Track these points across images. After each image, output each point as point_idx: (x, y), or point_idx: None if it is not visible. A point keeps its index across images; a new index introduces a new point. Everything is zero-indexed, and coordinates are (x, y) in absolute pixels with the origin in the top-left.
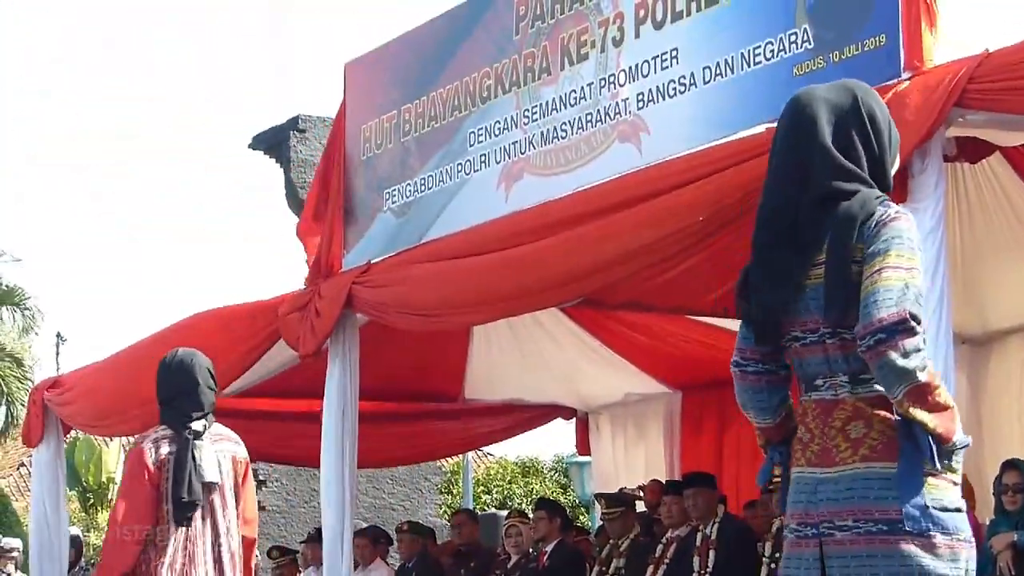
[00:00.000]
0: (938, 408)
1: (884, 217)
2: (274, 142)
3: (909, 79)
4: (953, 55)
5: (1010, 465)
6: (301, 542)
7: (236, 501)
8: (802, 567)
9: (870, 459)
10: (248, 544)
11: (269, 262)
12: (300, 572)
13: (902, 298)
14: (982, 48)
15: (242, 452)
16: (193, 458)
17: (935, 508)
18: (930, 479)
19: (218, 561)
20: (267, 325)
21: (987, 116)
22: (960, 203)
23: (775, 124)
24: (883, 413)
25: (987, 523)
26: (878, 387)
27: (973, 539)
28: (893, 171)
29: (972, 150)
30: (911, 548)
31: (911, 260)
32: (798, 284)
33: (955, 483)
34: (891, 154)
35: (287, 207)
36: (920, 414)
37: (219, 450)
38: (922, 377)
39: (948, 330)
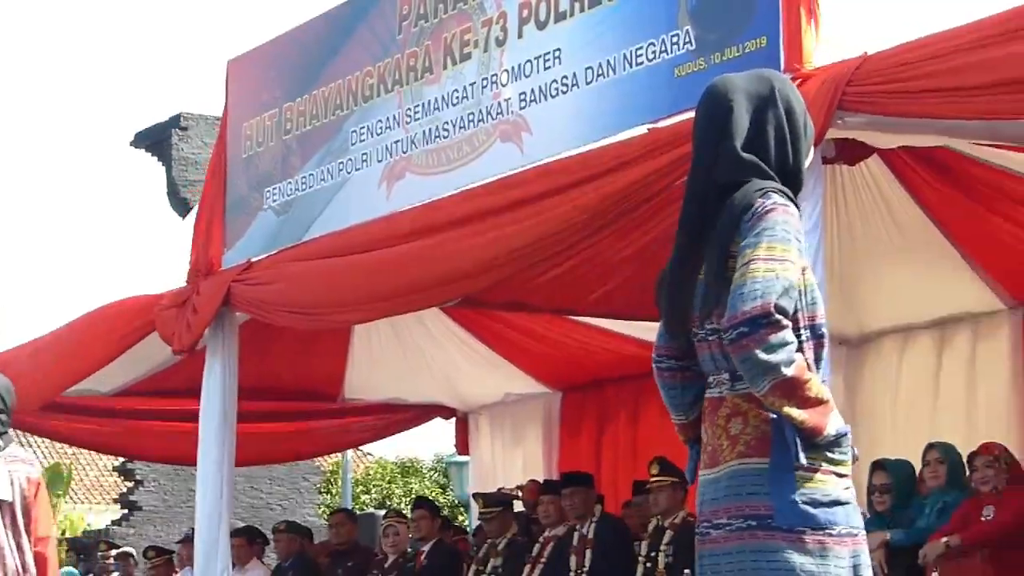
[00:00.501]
0: (808, 403)
1: (760, 209)
2: (156, 140)
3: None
4: (832, 57)
5: (877, 466)
6: (177, 542)
7: (28, 520)
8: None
9: (745, 455)
10: (41, 561)
11: (151, 260)
12: (176, 572)
13: (768, 290)
14: (860, 50)
15: (36, 472)
16: None
17: (805, 503)
18: (802, 473)
19: None
20: (142, 319)
21: (866, 118)
22: (838, 205)
23: (663, 124)
24: (758, 409)
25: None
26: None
27: (857, 531)
28: (807, 162)
29: (850, 152)
30: (779, 544)
31: (784, 252)
32: (692, 281)
33: (839, 475)
34: (806, 145)
35: (169, 205)
36: (787, 408)
37: (13, 470)
38: (788, 372)
39: None
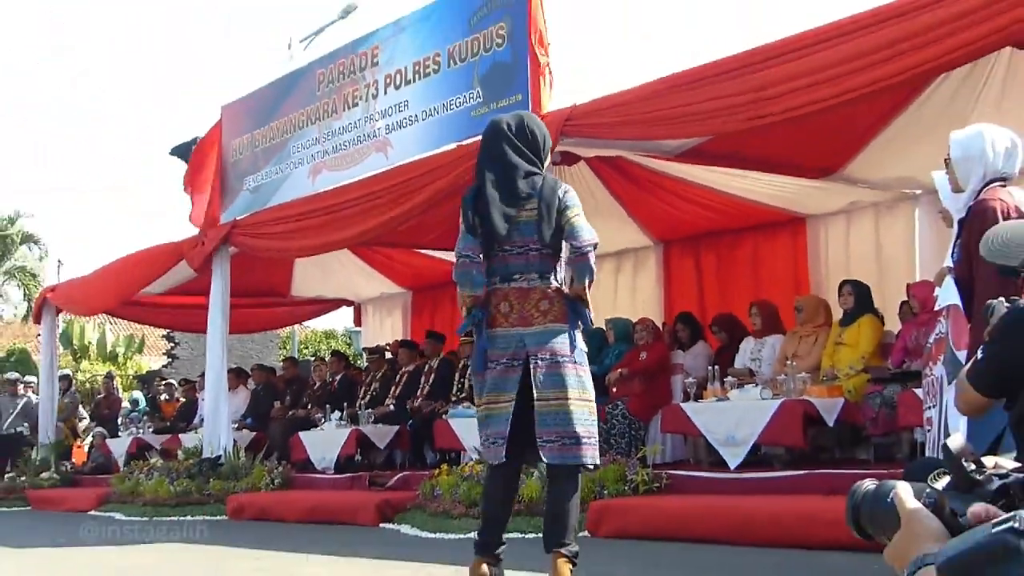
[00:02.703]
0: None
1: (567, 189)
2: (184, 151)
3: None
4: (560, 104)
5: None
6: (198, 376)
7: None
8: (509, 384)
9: (553, 321)
10: None
11: (182, 221)
12: (198, 393)
13: (591, 232)
14: (572, 101)
15: None
16: None
17: (582, 350)
18: (579, 333)
19: None
20: (174, 254)
21: (576, 140)
22: None
23: (465, 143)
24: (559, 296)
25: None
26: (554, 281)
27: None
28: (547, 164)
29: (568, 159)
30: (570, 368)
31: (583, 214)
32: (514, 219)
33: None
34: (544, 154)
35: None
36: (588, 295)
37: None
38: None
39: None
